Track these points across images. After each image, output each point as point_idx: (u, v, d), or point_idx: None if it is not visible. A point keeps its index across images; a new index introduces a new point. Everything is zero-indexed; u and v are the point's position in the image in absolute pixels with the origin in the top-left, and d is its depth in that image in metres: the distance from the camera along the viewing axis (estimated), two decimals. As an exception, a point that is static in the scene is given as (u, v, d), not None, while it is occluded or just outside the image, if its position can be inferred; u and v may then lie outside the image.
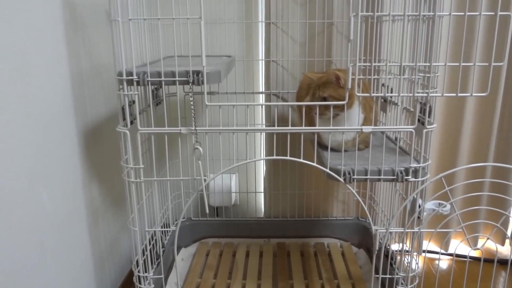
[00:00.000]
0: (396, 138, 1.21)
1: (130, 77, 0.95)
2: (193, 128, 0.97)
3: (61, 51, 0.99)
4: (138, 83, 0.95)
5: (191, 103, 0.98)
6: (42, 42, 0.92)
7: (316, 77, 1.12)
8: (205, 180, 0.98)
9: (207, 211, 0.99)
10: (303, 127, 1.03)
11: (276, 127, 1.04)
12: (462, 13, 0.88)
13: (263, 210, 1.72)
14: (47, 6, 0.94)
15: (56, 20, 0.98)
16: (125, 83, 0.95)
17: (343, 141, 1.05)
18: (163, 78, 0.95)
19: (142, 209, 1.09)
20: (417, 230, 1.03)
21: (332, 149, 1.08)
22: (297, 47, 1.49)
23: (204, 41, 0.91)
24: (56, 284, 0.98)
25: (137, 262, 1.09)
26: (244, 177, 1.70)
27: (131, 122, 1.00)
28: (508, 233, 1.66)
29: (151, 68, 0.96)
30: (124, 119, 0.99)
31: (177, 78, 0.95)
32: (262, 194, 1.70)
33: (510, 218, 1.60)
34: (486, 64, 0.91)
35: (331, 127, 1.02)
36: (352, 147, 1.11)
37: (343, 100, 0.99)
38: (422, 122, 0.98)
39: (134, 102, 1.01)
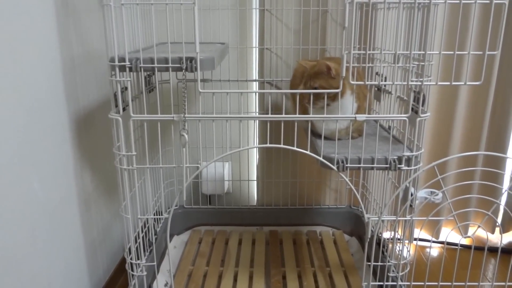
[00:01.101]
0: (389, 127, 1.21)
1: (123, 63, 0.93)
2: (183, 115, 0.96)
3: (52, 36, 0.98)
4: (130, 69, 0.94)
5: (183, 89, 0.97)
6: (32, 27, 0.90)
7: (309, 65, 1.12)
8: (188, 168, 0.98)
9: (185, 198, 0.99)
10: (297, 115, 1.03)
11: (269, 115, 1.03)
12: (457, 1, 0.87)
13: (255, 198, 1.72)
14: (37, -10, 0.92)
15: (47, 4, 0.96)
16: (117, 69, 0.94)
17: (336, 129, 1.05)
18: (156, 65, 0.94)
19: (135, 197, 1.09)
20: (409, 218, 1.04)
21: (326, 138, 1.08)
22: (291, 35, 1.48)
23: (198, 27, 0.90)
24: (48, 271, 0.98)
25: (129, 249, 1.09)
26: (237, 165, 1.69)
27: (124, 109, 0.99)
28: (499, 221, 1.68)
29: (144, 54, 0.95)
30: (117, 105, 0.97)
31: (170, 65, 0.94)
32: (255, 182, 1.70)
33: (501, 206, 1.61)
34: (481, 52, 0.91)
35: (324, 115, 1.02)
36: (346, 135, 1.11)
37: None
38: (415, 111, 0.98)
39: (126, 88, 1.00)
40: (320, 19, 1.45)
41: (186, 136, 0.98)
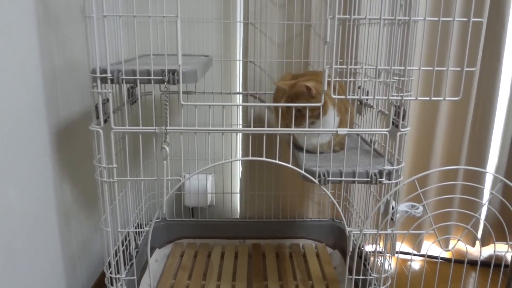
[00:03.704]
0: (371, 140, 1.22)
1: (104, 75, 0.93)
2: (164, 127, 0.96)
3: (33, 47, 0.97)
4: (112, 81, 0.93)
5: (165, 102, 0.97)
6: (12, 38, 0.89)
7: (288, 86, 1.12)
8: (168, 181, 0.97)
9: (165, 211, 0.98)
10: (279, 128, 1.03)
11: (252, 128, 1.04)
12: (437, 19, 0.89)
13: (239, 211, 1.71)
14: (19, 1, 0.91)
15: (28, 15, 0.95)
16: (99, 81, 0.94)
17: (318, 143, 1.06)
18: (138, 77, 0.94)
19: (115, 210, 1.07)
20: (390, 232, 1.04)
21: (308, 151, 1.08)
22: (275, 48, 1.49)
23: (180, 40, 0.90)
24: (25, 285, 0.96)
25: (109, 263, 1.07)
26: (220, 177, 1.69)
27: (105, 121, 0.98)
28: (479, 235, 1.70)
29: (126, 66, 0.94)
30: (98, 117, 0.97)
31: (152, 77, 0.94)
32: (238, 195, 1.70)
33: (480, 220, 1.63)
34: (459, 69, 0.92)
35: (306, 129, 1.02)
36: (328, 149, 1.11)
37: (317, 110, 0.99)
38: (396, 125, 0.99)
39: (108, 100, 0.99)
40: (303, 33, 1.47)
41: (167, 148, 0.97)
